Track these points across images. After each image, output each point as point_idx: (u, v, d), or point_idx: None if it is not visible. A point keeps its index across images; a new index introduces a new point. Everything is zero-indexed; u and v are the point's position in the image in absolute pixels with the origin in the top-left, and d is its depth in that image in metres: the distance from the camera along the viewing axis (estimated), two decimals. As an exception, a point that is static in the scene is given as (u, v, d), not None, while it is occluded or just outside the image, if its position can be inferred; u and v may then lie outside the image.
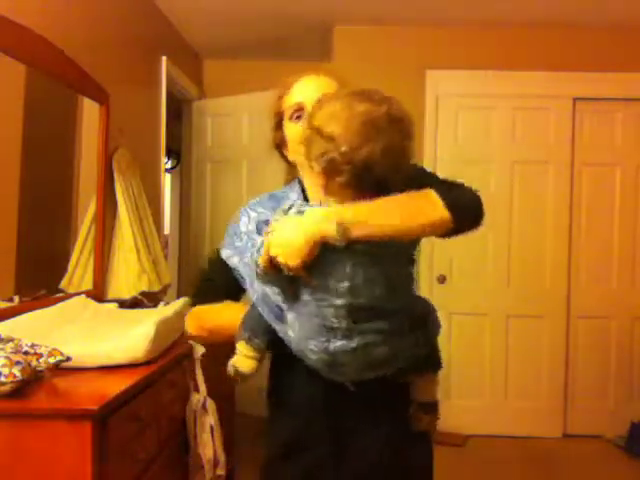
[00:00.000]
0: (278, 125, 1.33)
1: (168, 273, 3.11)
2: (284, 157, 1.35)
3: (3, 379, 1.34)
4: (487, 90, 3.75)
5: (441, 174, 1.24)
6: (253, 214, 1.28)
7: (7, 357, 1.37)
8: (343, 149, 1.04)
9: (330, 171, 1.07)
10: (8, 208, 2.01)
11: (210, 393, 2.15)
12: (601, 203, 3.77)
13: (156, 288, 2.84)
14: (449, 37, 3.73)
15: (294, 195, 1.30)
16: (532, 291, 3.75)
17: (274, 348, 1.20)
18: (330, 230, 1.01)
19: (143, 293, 2.69)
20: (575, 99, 3.72)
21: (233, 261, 1.25)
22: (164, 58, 3.54)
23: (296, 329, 1.11)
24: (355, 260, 1.05)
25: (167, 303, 2.58)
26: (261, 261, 1.06)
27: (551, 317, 3.76)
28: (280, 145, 1.34)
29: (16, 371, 1.35)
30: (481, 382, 3.74)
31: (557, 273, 3.75)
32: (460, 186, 1.18)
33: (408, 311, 1.14)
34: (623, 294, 3.77)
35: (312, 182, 1.25)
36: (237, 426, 3.00)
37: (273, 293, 1.13)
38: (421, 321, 1.18)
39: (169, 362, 1.84)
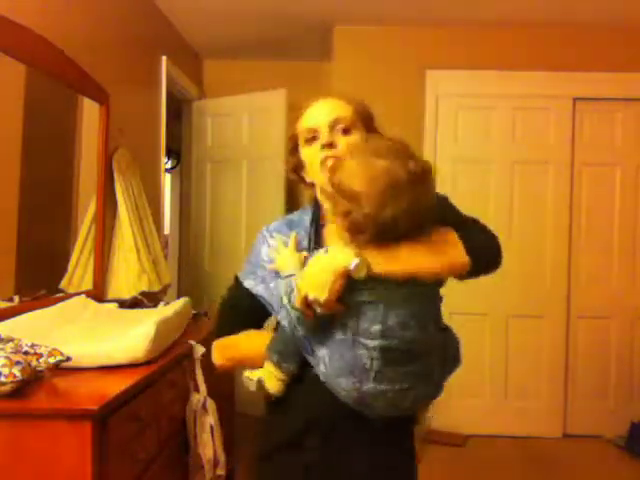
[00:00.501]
0: (294, 149, 1.34)
1: (168, 273, 3.11)
2: (302, 179, 1.36)
3: (3, 379, 1.34)
4: (487, 90, 3.75)
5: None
6: (272, 242, 1.28)
7: (7, 357, 1.37)
8: (366, 210, 1.06)
9: (354, 230, 1.09)
10: (8, 208, 2.01)
11: (210, 393, 2.15)
12: (601, 203, 3.77)
13: (156, 288, 2.84)
14: (449, 37, 3.73)
15: (307, 219, 1.32)
16: (532, 291, 3.75)
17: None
18: (352, 262, 1.05)
19: (143, 293, 2.69)
20: (575, 99, 3.72)
21: (258, 290, 1.25)
22: (164, 58, 3.54)
23: (327, 364, 1.13)
24: (387, 302, 1.08)
25: (167, 303, 2.59)
26: (297, 304, 1.09)
27: (551, 317, 3.76)
28: (297, 168, 1.36)
29: (16, 371, 1.35)
30: (481, 382, 3.74)
31: (557, 273, 3.75)
32: (481, 228, 1.23)
33: (439, 352, 1.17)
34: (623, 294, 3.77)
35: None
36: (237, 426, 3.00)
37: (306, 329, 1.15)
38: (452, 362, 1.22)
39: (169, 362, 1.84)
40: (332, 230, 1.22)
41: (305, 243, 1.28)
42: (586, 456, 3.45)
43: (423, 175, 1.08)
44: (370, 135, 1.26)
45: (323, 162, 1.23)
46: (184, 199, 4.42)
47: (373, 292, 1.08)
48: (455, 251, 1.13)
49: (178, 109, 4.25)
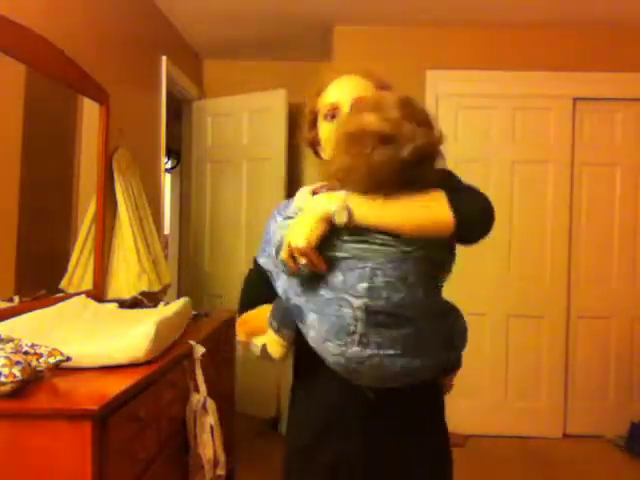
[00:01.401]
0: (312, 123, 1.33)
1: (168, 273, 3.11)
2: (317, 155, 1.36)
3: (3, 379, 1.33)
4: (487, 90, 3.75)
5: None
6: (279, 218, 1.28)
7: (7, 357, 1.37)
8: (339, 157, 1.12)
9: (339, 179, 1.12)
10: (8, 208, 2.01)
11: (210, 393, 2.15)
12: (601, 203, 3.77)
13: (156, 288, 2.84)
14: (449, 37, 3.73)
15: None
16: (532, 291, 3.75)
17: (299, 343, 1.21)
18: (333, 209, 1.07)
19: (143, 293, 2.69)
20: (575, 99, 3.72)
21: (268, 267, 1.27)
22: (164, 58, 3.54)
23: (316, 329, 1.12)
24: (376, 261, 1.07)
25: (167, 303, 2.58)
26: (283, 255, 1.11)
27: (551, 317, 3.76)
28: (313, 143, 1.35)
29: (16, 371, 1.35)
30: (481, 382, 3.74)
31: (557, 273, 3.75)
32: (474, 192, 1.19)
33: (437, 324, 1.14)
34: (623, 294, 3.77)
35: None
36: (237, 426, 3.00)
37: (295, 294, 1.16)
38: (449, 335, 1.20)
39: (169, 362, 1.84)
40: None
41: None
42: (586, 456, 3.45)
43: (403, 130, 1.06)
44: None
45: None
46: (184, 199, 4.42)
47: (358, 247, 1.08)
48: (439, 208, 1.09)
49: (178, 109, 4.25)
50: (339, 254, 1.09)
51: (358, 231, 1.08)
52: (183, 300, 2.38)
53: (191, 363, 2.10)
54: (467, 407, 3.68)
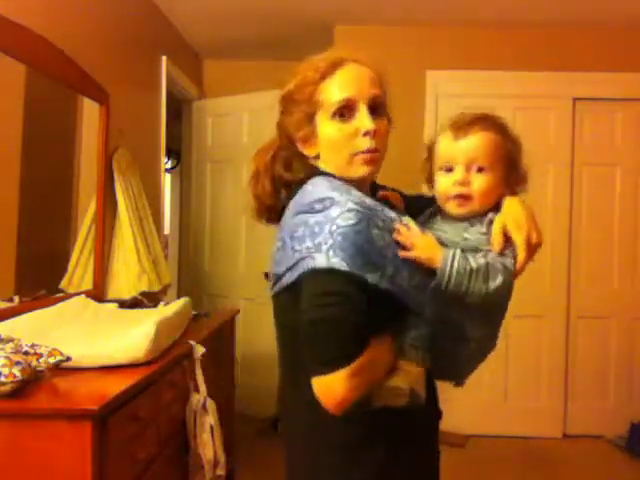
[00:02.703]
0: (307, 117, 1.08)
1: (168, 273, 3.11)
2: (294, 146, 1.12)
3: (3, 379, 1.33)
4: (487, 90, 3.75)
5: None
6: (381, 223, 1.00)
7: (7, 357, 1.37)
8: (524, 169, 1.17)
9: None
10: (8, 208, 2.01)
11: (210, 393, 2.15)
12: (601, 203, 3.77)
13: (156, 288, 2.84)
14: (449, 37, 3.73)
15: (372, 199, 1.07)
16: (532, 291, 3.74)
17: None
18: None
19: (143, 293, 2.69)
20: (575, 99, 3.72)
21: (384, 284, 0.96)
22: (164, 58, 3.54)
23: (479, 341, 1.16)
24: None
25: (167, 303, 2.58)
26: (496, 240, 1.07)
27: (551, 317, 3.76)
28: (301, 141, 1.11)
29: (16, 371, 1.35)
30: (481, 382, 3.74)
31: (557, 273, 3.75)
32: None
33: None
34: (623, 294, 3.77)
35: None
36: (237, 426, 3.00)
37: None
38: None
39: (169, 362, 1.84)
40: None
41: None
42: (586, 456, 3.45)
43: None
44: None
45: (360, 154, 1.05)
46: (184, 199, 4.42)
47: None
48: None
49: (178, 109, 4.25)
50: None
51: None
52: (183, 300, 2.38)
53: (191, 363, 2.10)
54: (467, 407, 3.67)
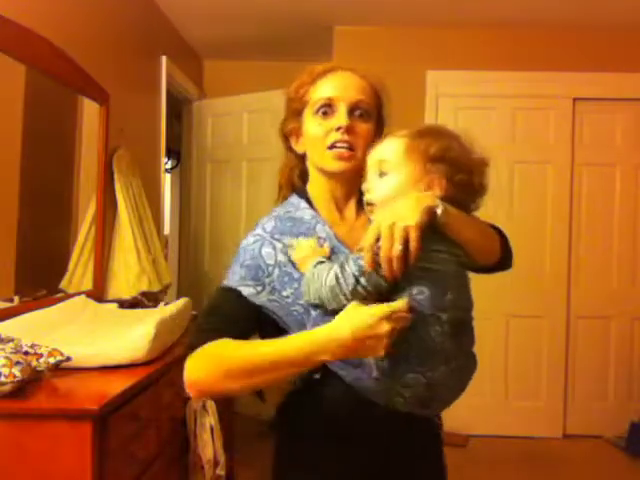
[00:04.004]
0: (296, 113, 1.18)
1: (168, 273, 3.11)
2: (288, 146, 1.23)
3: (3, 379, 1.33)
4: (487, 90, 3.75)
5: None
6: (279, 245, 1.10)
7: (7, 357, 1.37)
8: (477, 180, 1.09)
9: (458, 195, 1.06)
10: (8, 208, 2.01)
11: (210, 393, 2.15)
12: (601, 203, 3.77)
13: (156, 288, 2.83)
14: (449, 37, 3.73)
15: (307, 215, 1.15)
16: (532, 291, 3.75)
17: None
18: (437, 203, 0.99)
19: (143, 293, 2.69)
20: (575, 99, 3.72)
21: (261, 299, 1.07)
22: (164, 58, 3.54)
23: (384, 366, 0.99)
24: (448, 270, 1.02)
25: (167, 303, 2.58)
26: (366, 243, 0.95)
27: (551, 317, 3.76)
28: (289, 134, 1.21)
29: (16, 371, 1.35)
30: (481, 382, 3.74)
31: (557, 273, 3.75)
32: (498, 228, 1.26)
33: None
34: (623, 294, 3.77)
35: (320, 181, 1.18)
36: (237, 426, 3.00)
37: None
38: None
39: (169, 362, 1.84)
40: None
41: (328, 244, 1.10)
42: (586, 456, 3.45)
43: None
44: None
45: (332, 147, 1.11)
46: (184, 199, 4.42)
47: (441, 256, 1.01)
48: (495, 239, 1.17)
49: (178, 109, 4.25)
50: (427, 264, 0.98)
51: (441, 237, 1.00)
52: (183, 300, 2.38)
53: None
54: (467, 407, 3.66)
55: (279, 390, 1.12)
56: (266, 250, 1.10)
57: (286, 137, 1.22)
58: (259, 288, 1.08)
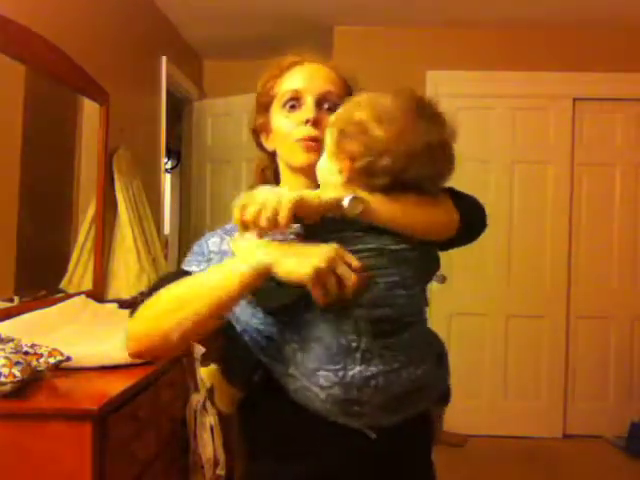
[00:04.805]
0: (263, 108, 1.14)
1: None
2: (259, 144, 1.18)
3: (3, 379, 1.33)
4: (487, 90, 3.75)
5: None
6: (228, 237, 1.10)
7: (7, 357, 1.37)
8: (386, 162, 0.92)
9: (362, 172, 0.94)
10: (8, 208, 2.01)
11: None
12: (601, 203, 3.77)
13: (156, 288, 2.83)
14: (449, 38, 3.73)
15: None
16: (532, 291, 3.75)
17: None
18: (346, 197, 0.90)
19: (143, 293, 2.69)
20: (575, 99, 3.72)
21: (199, 270, 1.06)
22: (164, 58, 3.54)
23: (298, 362, 0.94)
24: (376, 263, 0.92)
25: (167, 303, 2.58)
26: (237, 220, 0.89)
27: (551, 317, 3.76)
28: (259, 130, 1.17)
29: (16, 371, 1.35)
30: (481, 382, 3.74)
31: (557, 273, 3.75)
32: (469, 196, 1.11)
33: (425, 328, 1.03)
34: (623, 294, 3.77)
35: (290, 179, 1.12)
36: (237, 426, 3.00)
37: (265, 322, 0.98)
38: (437, 347, 1.07)
39: (169, 362, 1.84)
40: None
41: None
42: (586, 456, 3.45)
43: (451, 146, 0.98)
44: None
45: (300, 141, 1.07)
46: (184, 199, 4.42)
47: (366, 249, 0.92)
48: (446, 208, 1.01)
49: (178, 109, 4.25)
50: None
51: (359, 227, 0.93)
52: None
53: (191, 363, 2.10)
54: (467, 407, 3.67)
55: (228, 396, 1.07)
56: (213, 240, 1.12)
57: (256, 134, 1.18)
58: (199, 268, 1.07)
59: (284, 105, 1.10)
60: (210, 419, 2.10)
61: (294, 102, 1.10)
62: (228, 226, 1.15)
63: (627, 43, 3.69)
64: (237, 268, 0.91)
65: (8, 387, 1.35)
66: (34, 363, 1.44)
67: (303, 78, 1.12)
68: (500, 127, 3.76)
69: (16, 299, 1.98)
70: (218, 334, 1.01)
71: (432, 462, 1.13)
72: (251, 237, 0.93)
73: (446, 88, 3.74)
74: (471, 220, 1.05)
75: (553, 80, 3.71)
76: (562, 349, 3.76)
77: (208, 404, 2.12)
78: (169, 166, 4.86)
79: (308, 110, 1.08)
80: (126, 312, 2.36)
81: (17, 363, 1.37)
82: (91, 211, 2.55)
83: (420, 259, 0.99)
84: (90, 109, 2.51)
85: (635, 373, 3.76)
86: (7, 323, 1.76)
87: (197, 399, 2.08)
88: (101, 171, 2.60)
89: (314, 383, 0.92)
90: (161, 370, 1.77)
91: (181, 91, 4.03)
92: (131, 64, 3.11)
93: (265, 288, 0.91)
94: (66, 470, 1.34)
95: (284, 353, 0.96)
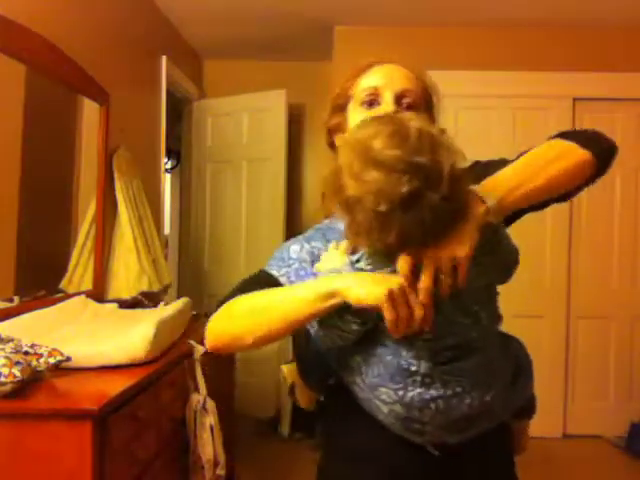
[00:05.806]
0: (340, 108, 1.13)
1: (168, 273, 3.11)
2: (331, 143, 1.17)
3: (3, 379, 1.33)
4: (487, 90, 3.75)
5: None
6: (307, 246, 1.06)
7: (7, 357, 1.37)
8: (381, 208, 0.83)
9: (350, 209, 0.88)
10: (8, 208, 2.01)
11: (210, 393, 2.15)
12: (601, 203, 3.77)
13: (156, 288, 2.84)
14: (449, 37, 3.73)
15: (341, 224, 1.03)
16: (532, 291, 3.75)
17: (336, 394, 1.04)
18: (490, 204, 0.92)
19: (143, 293, 2.69)
20: (575, 99, 3.72)
21: (282, 281, 1.05)
22: (164, 58, 3.54)
23: (365, 374, 0.95)
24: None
25: (167, 303, 2.58)
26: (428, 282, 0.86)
27: (551, 317, 3.76)
28: (334, 130, 1.15)
29: (16, 371, 1.35)
30: (481, 382, 3.74)
31: (557, 273, 3.75)
32: (575, 131, 1.11)
33: (500, 351, 1.03)
34: (623, 294, 3.77)
35: None
36: (237, 426, 3.00)
37: (341, 336, 0.94)
38: (515, 366, 1.06)
39: (169, 362, 1.84)
40: None
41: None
42: (586, 456, 3.45)
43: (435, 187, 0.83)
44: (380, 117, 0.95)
45: None
46: (184, 199, 4.42)
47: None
48: (570, 150, 1.03)
49: (178, 109, 4.25)
50: None
51: None
52: (183, 300, 2.38)
53: (191, 363, 2.10)
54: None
55: (309, 396, 1.10)
56: (294, 247, 1.08)
57: (330, 134, 1.16)
58: (279, 272, 1.06)
59: (362, 103, 1.10)
60: (210, 419, 2.10)
61: (373, 98, 1.09)
62: (307, 233, 1.12)
63: (627, 43, 3.69)
64: (310, 293, 0.91)
65: (8, 387, 1.35)
66: (34, 363, 1.44)
67: (382, 76, 1.12)
68: (500, 127, 3.76)
69: (16, 299, 1.99)
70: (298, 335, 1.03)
71: (515, 475, 1.13)
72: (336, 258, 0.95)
73: (446, 88, 3.70)
74: (600, 149, 1.07)
75: (553, 80, 3.71)
76: (562, 349, 3.76)
77: (208, 404, 2.12)
78: (169, 166, 4.86)
79: (387, 105, 1.07)
80: (126, 312, 2.36)
81: (17, 363, 1.37)
82: (91, 211, 2.55)
83: (486, 277, 1.00)
84: (90, 109, 2.51)
85: (635, 373, 3.76)
86: (7, 323, 1.76)
87: (197, 399, 2.08)
88: (101, 171, 2.60)
89: (376, 397, 0.94)
90: (161, 370, 1.77)
91: (181, 91, 4.03)
92: (131, 64, 3.11)
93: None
94: (66, 470, 1.34)
95: (350, 363, 0.97)
